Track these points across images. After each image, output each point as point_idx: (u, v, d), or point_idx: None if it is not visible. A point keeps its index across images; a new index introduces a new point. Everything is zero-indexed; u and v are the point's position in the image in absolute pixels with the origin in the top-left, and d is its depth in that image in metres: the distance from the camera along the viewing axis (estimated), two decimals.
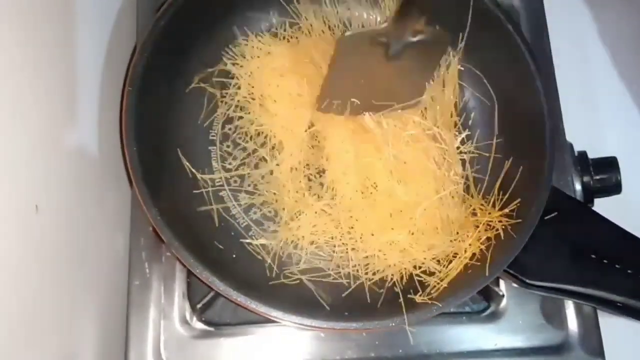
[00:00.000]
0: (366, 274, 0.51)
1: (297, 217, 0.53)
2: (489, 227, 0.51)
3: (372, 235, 0.52)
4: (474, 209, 0.53)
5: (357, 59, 0.51)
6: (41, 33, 0.43)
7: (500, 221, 0.50)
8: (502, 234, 0.49)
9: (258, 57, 0.56)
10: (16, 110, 0.38)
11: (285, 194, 0.53)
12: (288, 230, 0.52)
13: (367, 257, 0.52)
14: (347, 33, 0.51)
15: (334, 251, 0.53)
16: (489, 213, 0.51)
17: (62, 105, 0.46)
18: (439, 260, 0.51)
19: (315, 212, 0.52)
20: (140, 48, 0.50)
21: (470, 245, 0.50)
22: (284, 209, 0.53)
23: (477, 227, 0.51)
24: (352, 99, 0.53)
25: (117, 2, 0.58)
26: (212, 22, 0.56)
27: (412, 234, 0.52)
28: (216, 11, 0.56)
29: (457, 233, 0.52)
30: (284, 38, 0.58)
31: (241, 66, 0.56)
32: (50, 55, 0.44)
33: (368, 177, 0.53)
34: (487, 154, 0.56)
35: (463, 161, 0.56)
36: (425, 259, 0.51)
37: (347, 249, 0.52)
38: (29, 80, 0.40)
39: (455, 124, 0.57)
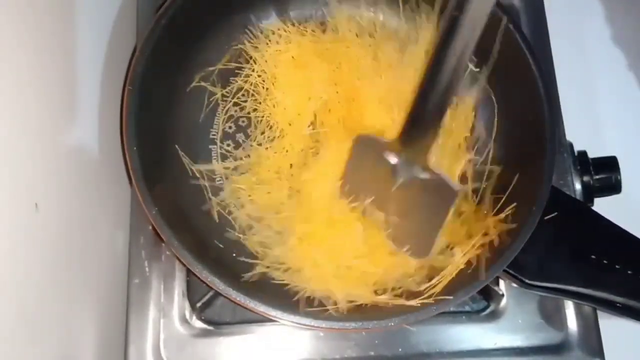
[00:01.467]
0: None
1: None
2: (484, 234, 0.50)
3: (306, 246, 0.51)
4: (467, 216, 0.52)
5: (370, 163, 0.50)
6: (42, 32, 0.43)
7: (495, 227, 0.50)
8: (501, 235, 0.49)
9: (277, 42, 0.56)
10: (16, 110, 0.39)
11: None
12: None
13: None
14: (361, 134, 0.51)
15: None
16: (482, 220, 0.51)
17: (62, 105, 0.46)
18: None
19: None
20: (141, 47, 0.50)
21: (464, 254, 0.49)
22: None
23: (471, 235, 0.50)
24: (367, 198, 0.51)
25: (117, 1, 0.58)
26: (214, 21, 0.56)
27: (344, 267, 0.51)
28: (217, 11, 0.56)
29: (451, 247, 0.51)
30: (306, 31, 0.57)
31: (257, 48, 0.56)
32: (51, 54, 0.44)
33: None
34: (487, 150, 0.56)
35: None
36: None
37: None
38: (29, 80, 0.41)
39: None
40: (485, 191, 0.53)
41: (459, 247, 0.50)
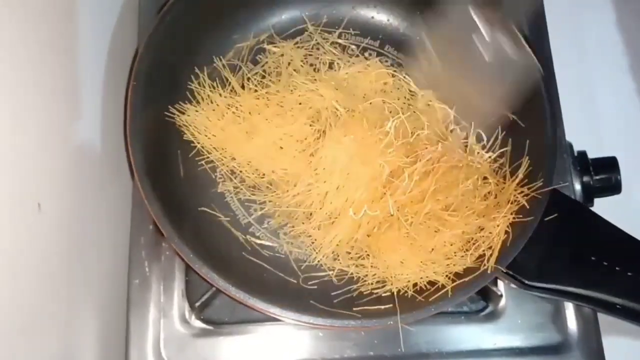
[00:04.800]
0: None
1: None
2: (511, 202, 0.50)
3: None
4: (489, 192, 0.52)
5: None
6: (45, 29, 0.43)
7: (516, 191, 0.49)
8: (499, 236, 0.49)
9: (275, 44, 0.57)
10: (19, 107, 0.39)
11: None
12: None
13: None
14: None
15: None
16: (502, 189, 0.51)
17: (64, 103, 0.46)
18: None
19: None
20: (146, 42, 0.51)
21: (498, 225, 0.49)
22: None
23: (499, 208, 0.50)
24: None
25: (119, 0, 0.58)
26: (219, 17, 0.56)
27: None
28: (222, 7, 0.56)
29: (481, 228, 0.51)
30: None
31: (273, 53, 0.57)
32: (54, 51, 0.44)
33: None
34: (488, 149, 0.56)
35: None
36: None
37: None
38: (32, 76, 0.41)
39: None
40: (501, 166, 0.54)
41: (489, 222, 0.50)
